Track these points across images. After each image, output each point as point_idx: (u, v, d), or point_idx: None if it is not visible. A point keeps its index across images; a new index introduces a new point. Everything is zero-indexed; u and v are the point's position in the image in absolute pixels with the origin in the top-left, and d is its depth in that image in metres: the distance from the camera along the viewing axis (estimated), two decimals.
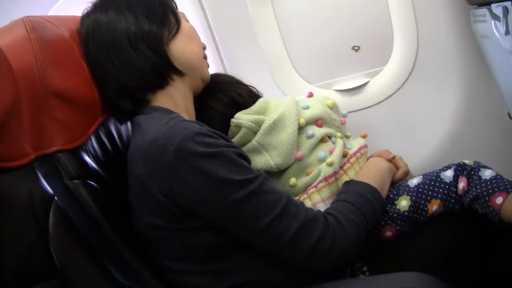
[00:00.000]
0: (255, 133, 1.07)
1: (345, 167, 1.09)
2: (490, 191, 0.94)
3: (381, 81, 1.56)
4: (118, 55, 0.95)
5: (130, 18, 0.95)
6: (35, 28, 0.89)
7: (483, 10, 1.23)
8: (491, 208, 0.93)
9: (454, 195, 0.99)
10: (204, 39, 1.13)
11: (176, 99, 1.00)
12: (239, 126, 1.07)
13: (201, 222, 0.86)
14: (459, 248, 0.95)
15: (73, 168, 0.92)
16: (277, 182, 1.10)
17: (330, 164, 1.05)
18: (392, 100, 1.56)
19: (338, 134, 1.16)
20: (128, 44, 0.94)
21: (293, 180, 1.07)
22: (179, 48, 0.99)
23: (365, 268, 0.99)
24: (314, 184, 1.04)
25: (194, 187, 0.83)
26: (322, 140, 1.11)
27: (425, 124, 1.56)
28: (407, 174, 1.13)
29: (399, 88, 1.54)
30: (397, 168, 1.13)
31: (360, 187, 0.98)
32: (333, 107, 1.21)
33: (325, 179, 1.04)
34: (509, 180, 0.96)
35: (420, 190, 1.02)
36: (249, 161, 0.91)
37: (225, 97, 1.12)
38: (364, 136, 1.23)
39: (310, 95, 1.22)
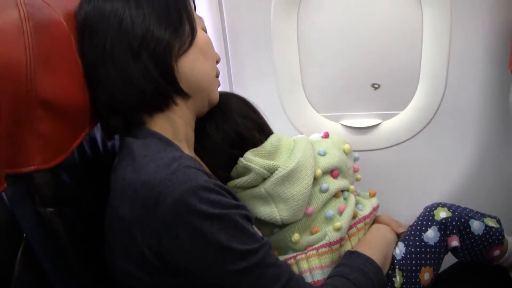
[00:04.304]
0: (265, 178, 0.93)
1: (351, 232, 0.97)
2: (487, 247, 0.98)
3: (395, 126, 1.44)
4: (114, 61, 0.77)
5: (136, 15, 0.77)
6: (30, 15, 0.70)
7: None
8: (489, 261, 1.00)
9: (442, 255, 0.97)
10: (214, 43, 0.96)
11: (177, 126, 0.84)
12: (247, 168, 0.93)
13: (185, 282, 0.74)
14: None
15: (48, 191, 0.76)
16: (278, 232, 0.97)
17: (338, 229, 0.93)
18: (403, 147, 1.45)
19: (352, 187, 1.04)
20: (128, 49, 0.77)
21: (296, 236, 0.94)
22: (189, 66, 0.82)
23: None
24: (316, 246, 0.92)
25: (188, 248, 0.70)
26: (335, 195, 0.98)
27: (434, 176, 1.47)
28: None
29: (413, 136, 1.43)
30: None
31: (363, 263, 0.88)
32: (349, 153, 1.08)
33: (329, 244, 0.92)
34: (495, 227, 0.99)
35: (408, 262, 0.96)
36: (252, 221, 0.78)
37: (230, 129, 0.95)
38: (373, 195, 1.10)
39: (326, 135, 1.08)
